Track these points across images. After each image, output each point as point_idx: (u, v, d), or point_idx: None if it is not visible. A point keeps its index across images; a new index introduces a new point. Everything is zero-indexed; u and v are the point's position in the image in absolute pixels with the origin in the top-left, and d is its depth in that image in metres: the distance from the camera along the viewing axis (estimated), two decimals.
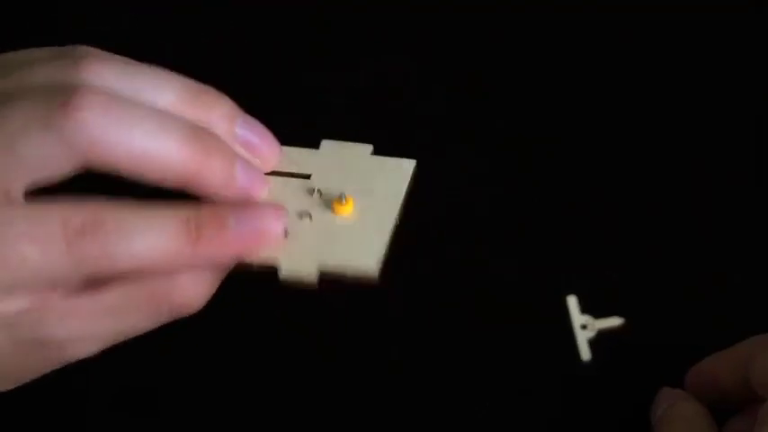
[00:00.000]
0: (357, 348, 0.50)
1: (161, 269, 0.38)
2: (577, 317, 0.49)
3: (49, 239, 0.36)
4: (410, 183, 0.42)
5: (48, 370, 0.39)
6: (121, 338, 0.39)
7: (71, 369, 0.43)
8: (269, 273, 0.40)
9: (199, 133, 0.39)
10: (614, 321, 0.49)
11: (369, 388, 0.49)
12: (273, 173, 0.42)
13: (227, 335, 0.50)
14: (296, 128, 0.42)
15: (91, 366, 0.45)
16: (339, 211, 0.41)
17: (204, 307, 0.42)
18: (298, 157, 0.43)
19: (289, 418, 0.49)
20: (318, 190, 0.42)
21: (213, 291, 0.40)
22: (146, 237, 0.37)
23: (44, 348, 0.38)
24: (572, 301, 0.50)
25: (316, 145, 0.43)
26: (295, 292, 0.44)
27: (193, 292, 0.39)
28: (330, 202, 0.41)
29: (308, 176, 0.43)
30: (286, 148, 0.43)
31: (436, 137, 0.54)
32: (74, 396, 0.50)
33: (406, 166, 0.43)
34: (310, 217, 0.41)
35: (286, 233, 0.41)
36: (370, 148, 0.43)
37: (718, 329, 0.49)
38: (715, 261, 0.52)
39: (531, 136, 0.55)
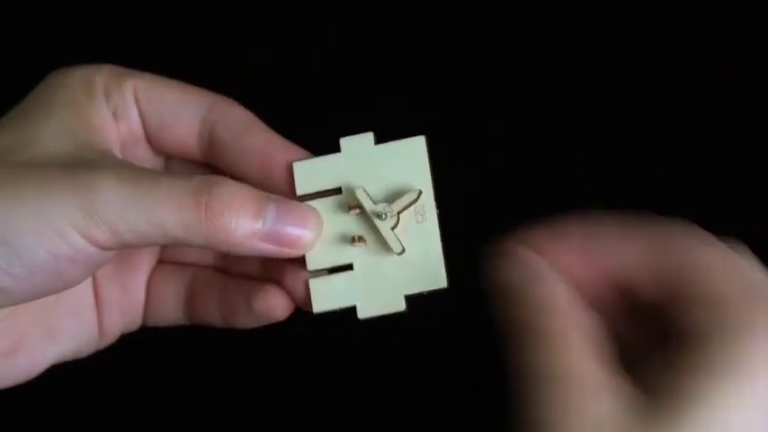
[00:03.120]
0: (357, 349, 0.50)
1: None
2: None
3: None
4: (428, 159, 0.43)
5: None
6: None
7: (70, 370, 0.43)
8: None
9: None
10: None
11: (368, 388, 0.49)
12: (304, 196, 0.43)
13: (227, 337, 0.51)
14: None
15: (90, 366, 0.46)
16: (383, 223, 0.42)
17: None
18: (323, 169, 0.43)
19: (288, 418, 0.49)
20: (357, 206, 0.42)
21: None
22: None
23: None
24: None
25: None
26: None
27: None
28: (372, 216, 0.42)
29: (338, 191, 0.43)
30: (303, 162, 0.43)
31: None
32: (73, 395, 0.50)
33: (418, 145, 0.43)
34: (364, 241, 0.42)
35: (352, 267, 0.42)
36: (370, 136, 0.43)
37: None
38: None
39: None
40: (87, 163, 0.40)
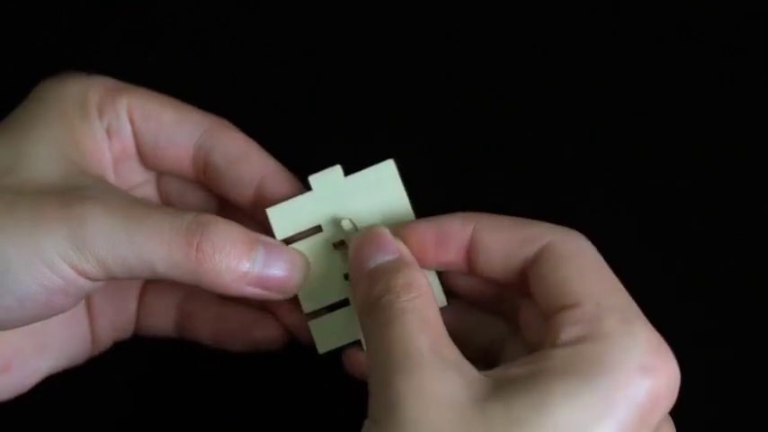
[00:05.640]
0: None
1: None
2: None
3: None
4: (401, 182, 0.43)
5: None
6: None
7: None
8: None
9: None
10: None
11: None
12: (288, 240, 0.43)
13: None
14: None
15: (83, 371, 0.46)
16: None
17: None
18: (298, 210, 0.43)
19: (288, 418, 0.49)
20: (340, 243, 0.42)
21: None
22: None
23: None
24: None
25: None
26: None
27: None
28: None
29: (318, 228, 0.43)
30: (277, 207, 0.43)
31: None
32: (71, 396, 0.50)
33: (388, 170, 0.43)
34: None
35: (347, 302, 0.43)
36: (338, 169, 0.43)
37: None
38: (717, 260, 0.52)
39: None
40: (79, 190, 0.39)
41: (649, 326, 0.37)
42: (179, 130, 0.43)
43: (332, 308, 0.43)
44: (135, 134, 0.43)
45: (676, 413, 0.40)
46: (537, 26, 0.57)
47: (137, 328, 0.46)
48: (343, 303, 0.43)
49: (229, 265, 0.39)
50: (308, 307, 0.43)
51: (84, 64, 0.44)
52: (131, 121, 0.43)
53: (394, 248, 0.39)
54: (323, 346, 0.43)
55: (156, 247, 0.39)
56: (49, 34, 0.56)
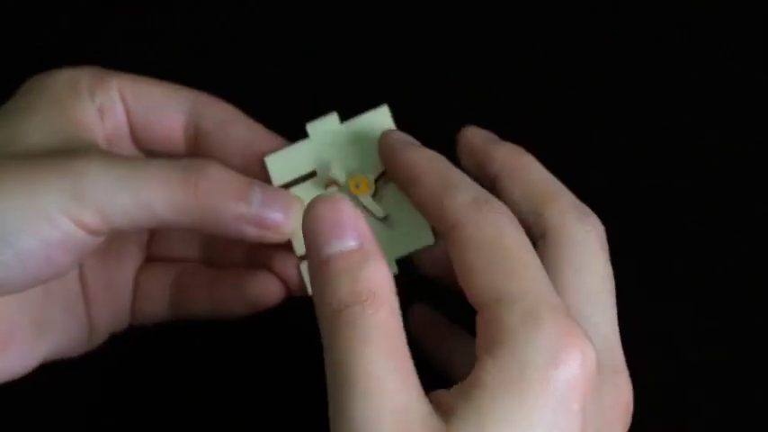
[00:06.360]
0: None
1: None
2: None
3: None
4: (395, 127, 0.43)
5: None
6: None
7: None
8: None
9: None
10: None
11: None
12: (284, 187, 0.43)
13: (226, 333, 0.51)
14: None
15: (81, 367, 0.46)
16: (361, 193, 0.42)
17: None
18: (294, 157, 0.44)
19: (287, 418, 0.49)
20: (334, 182, 0.43)
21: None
22: None
23: None
24: None
25: None
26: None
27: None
28: (348, 189, 0.43)
29: (313, 174, 0.43)
30: (275, 154, 0.43)
31: None
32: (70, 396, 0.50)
33: (382, 115, 0.43)
34: None
35: None
36: (334, 116, 0.44)
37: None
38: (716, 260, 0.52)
39: None
40: (73, 151, 0.40)
41: (555, 307, 0.35)
42: (169, 103, 0.44)
43: None
44: (127, 112, 0.44)
45: (676, 413, 0.40)
46: (536, 26, 0.57)
47: (133, 316, 0.47)
48: None
49: (228, 202, 0.40)
50: (300, 250, 0.43)
51: (84, 64, 0.45)
52: (123, 100, 0.43)
53: (355, 233, 0.37)
54: None
55: (155, 190, 0.39)
56: (49, 34, 0.57)
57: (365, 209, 0.43)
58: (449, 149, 0.54)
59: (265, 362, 0.51)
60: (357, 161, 0.43)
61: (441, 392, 0.36)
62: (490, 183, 0.42)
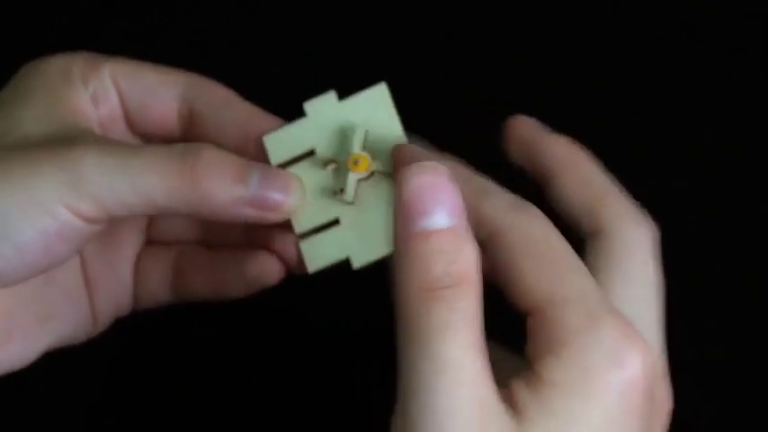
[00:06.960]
0: (355, 341, 0.50)
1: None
2: None
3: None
4: (393, 105, 0.43)
5: None
6: None
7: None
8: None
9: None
10: None
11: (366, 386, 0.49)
12: (282, 167, 0.43)
13: (226, 328, 0.51)
14: None
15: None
16: (359, 170, 0.42)
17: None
18: (292, 136, 0.44)
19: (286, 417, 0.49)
20: (331, 160, 0.43)
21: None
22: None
23: None
24: None
25: None
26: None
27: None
28: (345, 167, 0.42)
29: (312, 152, 0.43)
30: (273, 134, 0.43)
31: None
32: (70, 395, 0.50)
33: (380, 93, 0.43)
34: (342, 192, 0.42)
35: (338, 222, 0.42)
36: (332, 94, 0.44)
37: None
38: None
39: None
40: (69, 140, 0.40)
41: (612, 309, 0.35)
42: (163, 86, 0.44)
43: (321, 230, 0.43)
44: (120, 97, 0.44)
45: (676, 413, 0.40)
46: (535, 26, 0.57)
47: (135, 300, 0.46)
48: (334, 223, 0.43)
49: (225, 185, 0.40)
50: (299, 228, 0.43)
51: None
52: (116, 85, 0.44)
53: (456, 211, 0.35)
54: (312, 266, 0.43)
55: (151, 176, 0.39)
56: (48, 34, 0.57)
57: (339, 186, 0.42)
58: (449, 149, 0.54)
59: (266, 346, 0.51)
60: (353, 141, 0.43)
61: (508, 388, 0.35)
62: (541, 176, 0.42)
